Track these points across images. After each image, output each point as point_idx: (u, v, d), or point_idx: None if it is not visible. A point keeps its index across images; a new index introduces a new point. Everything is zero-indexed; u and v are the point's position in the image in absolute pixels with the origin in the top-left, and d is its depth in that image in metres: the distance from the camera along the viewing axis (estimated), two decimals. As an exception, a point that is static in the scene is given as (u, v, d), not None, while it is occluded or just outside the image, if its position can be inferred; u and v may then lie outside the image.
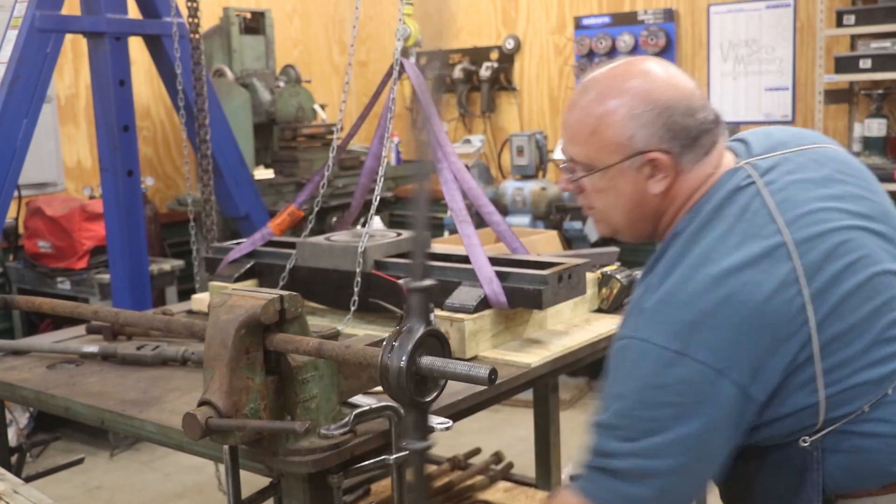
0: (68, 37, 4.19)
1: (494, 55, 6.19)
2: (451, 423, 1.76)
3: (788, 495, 1.45)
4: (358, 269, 2.33)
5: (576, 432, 4.86)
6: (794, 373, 1.37)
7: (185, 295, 4.09)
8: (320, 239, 2.56)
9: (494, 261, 2.23)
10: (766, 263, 1.37)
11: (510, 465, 3.31)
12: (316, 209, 2.54)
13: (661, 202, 1.50)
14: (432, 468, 3.20)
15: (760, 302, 1.34)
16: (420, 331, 1.46)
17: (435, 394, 1.51)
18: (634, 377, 1.39)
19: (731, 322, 1.34)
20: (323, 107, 5.58)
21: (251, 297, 1.62)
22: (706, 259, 1.39)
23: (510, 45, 6.13)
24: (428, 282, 1.45)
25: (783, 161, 1.50)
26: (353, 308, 2.32)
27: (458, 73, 6.19)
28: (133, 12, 4.09)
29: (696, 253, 1.40)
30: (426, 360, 1.46)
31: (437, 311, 2.10)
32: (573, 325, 2.37)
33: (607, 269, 2.54)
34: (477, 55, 6.23)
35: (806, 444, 1.41)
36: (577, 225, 5.00)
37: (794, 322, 1.35)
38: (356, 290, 2.31)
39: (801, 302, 1.35)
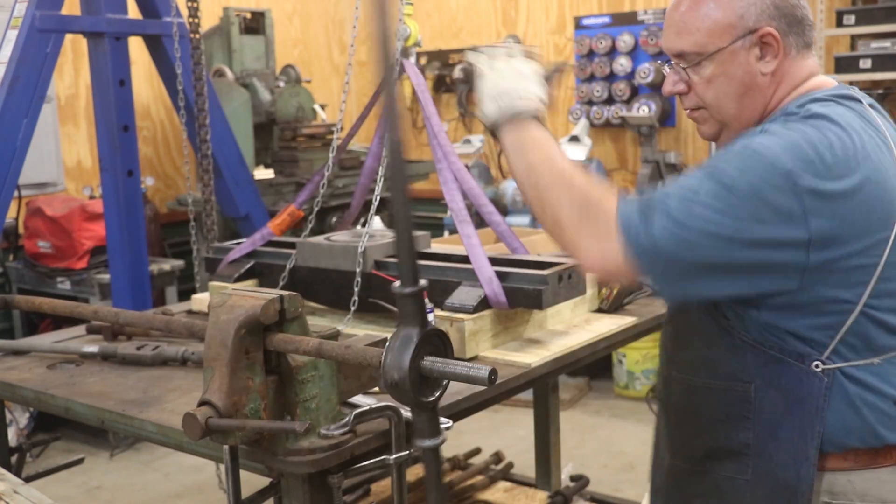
0: (68, 37, 4.19)
1: (494, 55, 6.19)
2: (451, 423, 1.76)
3: (782, 420, 1.48)
4: (358, 269, 2.33)
5: (576, 432, 4.89)
6: (860, 259, 1.40)
7: (185, 295, 4.09)
8: (320, 239, 2.56)
9: (494, 261, 2.23)
10: (882, 150, 1.43)
11: (510, 465, 3.31)
12: (316, 209, 2.54)
13: (770, 84, 1.52)
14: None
15: (883, 177, 1.40)
16: (417, 333, 1.46)
17: (439, 392, 1.51)
18: (735, 173, 1.38)
19: (843, 177, 1.36)
20: (323, 107, 5.58)
21: (251, 297, 1.62)
22: (836, 120, 1.41)
23: (510, 45, 6.13)
24: (415, 287, 1.43)
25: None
26: (353, 308, 2.32)
27: (458, 73, 6.19)
28: (133, 12, 4.09)
29: (826, 115, 1.42)
30: (426, 362, 1.45)
31: (438, 311, 2.10)
32: (573, 325, 2.37)
33: (607, 269, 2.54)
34: (477, 55, 6.23)
35: (818, 369, 1.44)
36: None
37: (893, 206, 1.41)
38: (356, 290, 2.31)
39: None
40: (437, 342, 1.50)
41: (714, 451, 1.57)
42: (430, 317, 2.00)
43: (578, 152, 5.22)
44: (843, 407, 1.45)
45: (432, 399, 1.47)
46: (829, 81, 1.57)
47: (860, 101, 1.52)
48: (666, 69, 1.61)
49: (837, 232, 1.37)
